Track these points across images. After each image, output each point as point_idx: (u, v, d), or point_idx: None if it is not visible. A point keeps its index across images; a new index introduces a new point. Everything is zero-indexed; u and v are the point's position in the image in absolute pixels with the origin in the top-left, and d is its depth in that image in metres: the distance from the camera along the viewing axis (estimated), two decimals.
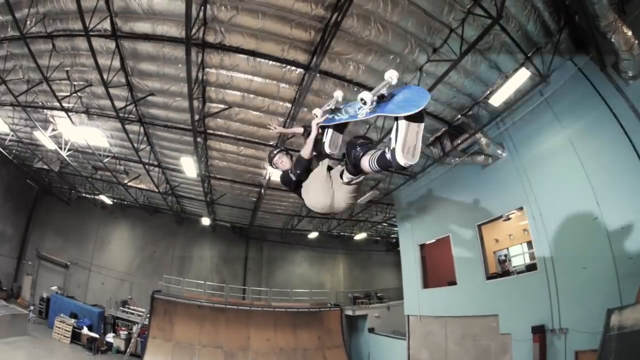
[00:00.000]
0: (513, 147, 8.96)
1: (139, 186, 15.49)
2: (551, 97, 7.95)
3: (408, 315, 12.30)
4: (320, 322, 16.16)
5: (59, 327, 14.72)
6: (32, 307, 15.85)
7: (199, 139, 9.72)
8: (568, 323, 7.22)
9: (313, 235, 19.87)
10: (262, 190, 13.01)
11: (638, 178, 6.31)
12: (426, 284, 11.80)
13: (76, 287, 17.81)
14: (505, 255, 9.98)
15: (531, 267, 8.40)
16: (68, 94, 8.96)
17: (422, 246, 12.19)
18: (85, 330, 14.94)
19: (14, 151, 14.20)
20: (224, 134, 9.98)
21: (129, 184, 14.98)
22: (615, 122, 6.74)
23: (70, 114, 9.66)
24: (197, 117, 8.45)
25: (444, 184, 11.17)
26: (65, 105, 9.22)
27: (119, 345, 15.44)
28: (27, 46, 7.30)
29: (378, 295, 19.76)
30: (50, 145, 11.26)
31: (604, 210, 6.75)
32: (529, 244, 8.84)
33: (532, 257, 8.58)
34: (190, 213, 19.13)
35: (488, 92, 8.17)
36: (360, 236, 20.84)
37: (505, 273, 9.36)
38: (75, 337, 14.69)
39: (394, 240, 21.97)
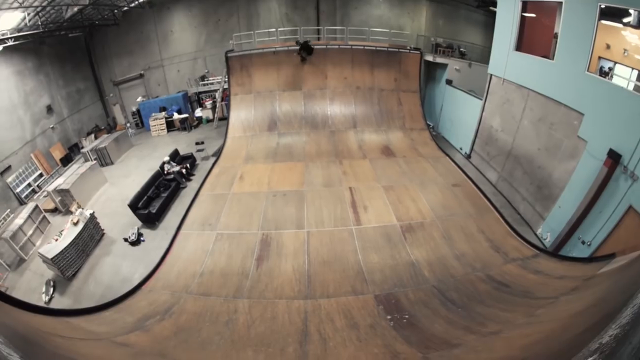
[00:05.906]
0: None
1: None
2: None
3: (491, 75, 11.29)
4: (398, 64, 14.88)
5: (154, 125, 16.97)
6: (128, 124, 18.40)
7: None
8: None
9: None
10: None
11: None
12: (519, 47, 10.14)
13: (156, 86, 19.41)
14: (610, 69, 7.60)
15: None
16: None
17: (525, 3, 9.87)
18: (175, 116, 17.14)
19: (39, 23, 13.04)
20: None
21: None
22: None
23: None
24: None
25: None
26: None
27: (207, 115, 17.73)
28: None
29: (461, 50, 17.30)
30: None
31: None
32: None
33: (637, 89, 6.44)
34: None
35: None
36: None
37: None
38: (170, 125, 17.08)
39: None
